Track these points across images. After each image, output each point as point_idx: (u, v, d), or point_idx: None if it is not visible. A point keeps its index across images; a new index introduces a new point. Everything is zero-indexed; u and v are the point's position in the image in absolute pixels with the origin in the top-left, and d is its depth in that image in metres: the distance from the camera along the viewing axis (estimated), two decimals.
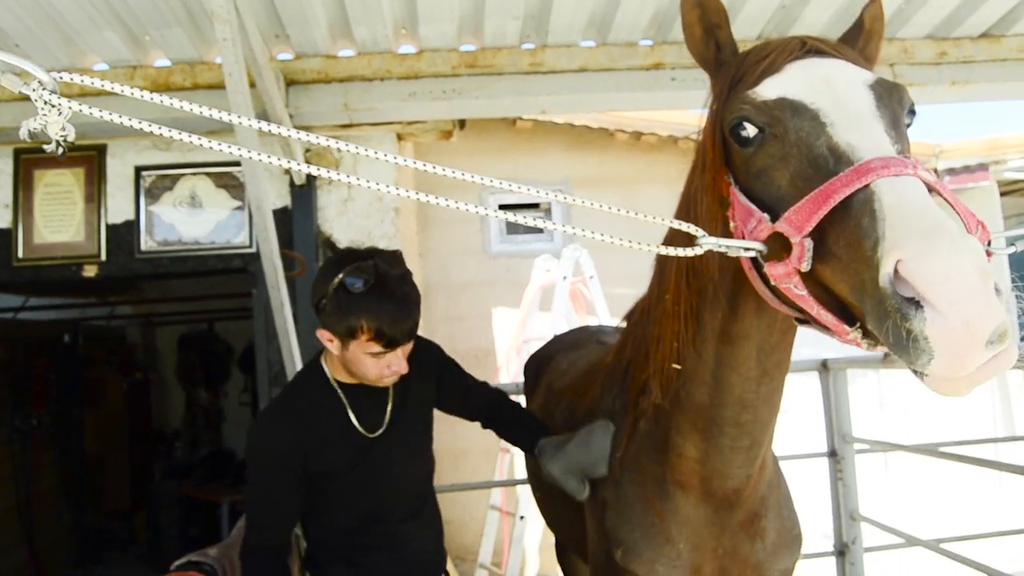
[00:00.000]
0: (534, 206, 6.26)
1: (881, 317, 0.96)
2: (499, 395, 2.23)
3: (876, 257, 0.96)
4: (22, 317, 6.11)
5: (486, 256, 6.14)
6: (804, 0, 3.41)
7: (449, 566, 2.27)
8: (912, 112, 1.22)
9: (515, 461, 4.82)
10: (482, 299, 6.04)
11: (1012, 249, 1.32)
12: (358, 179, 0.96)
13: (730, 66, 1.35)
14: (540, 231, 6.15)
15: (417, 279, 1.86)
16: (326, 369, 1.90)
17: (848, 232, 1.02)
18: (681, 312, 1.55)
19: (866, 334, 1.06)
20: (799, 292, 1.12)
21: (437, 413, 2.11)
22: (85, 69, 3.65)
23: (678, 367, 1.60)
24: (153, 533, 7.02)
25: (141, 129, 0.89)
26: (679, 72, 3.77)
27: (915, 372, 0.97)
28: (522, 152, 6.19)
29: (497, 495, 4.90)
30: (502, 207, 5.94)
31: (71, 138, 0.86)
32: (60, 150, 0.88)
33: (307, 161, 3.92)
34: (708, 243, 1.14)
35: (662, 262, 1.66)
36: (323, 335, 1.77)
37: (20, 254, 3.92)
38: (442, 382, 2.10)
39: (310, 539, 1.97)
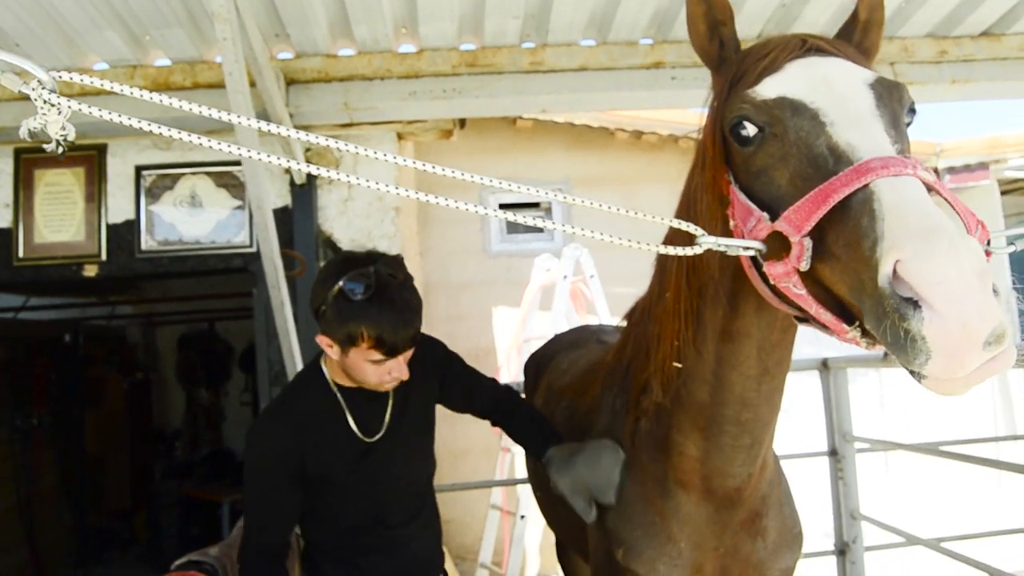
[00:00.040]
0: (534, 205, 6.26)
1: (879, 317, 0.96)
2: (508, 393, 2.18)
3: (875, 257, 0.96)
4: (22, 317, 6.11)
5: (486, 255, 6.13)
6: None
7: (449, 566, 2.26)
8: (912, 111, 1.22)
9: (515, 460, 4.82)
10: (482, 298, 6.03)
11: (1012, 248, 1.32)
12: (358, 179, 0.96)
13: (731, 64, 1.35)
14: (540, 230, 6.14)
15: (417, 278, 1.85)
16: (326, 372, 1.88)
17: (847, 232, 1.02)
18: (682, 311, 1.54)
19: (865, 333, 1.06)
20: (798, 291, 1.13)
21: (439, 413, 2.09)
22: (85, 69, 3.65)
23: (679, 366, 1.60)
24: (153, 533, 7.03)
25: (141, 129, 0.89)
26: (679, 71, 3.77)
27: (912, 373, 0.97)
28: (522, 151, 6.18)
29: (498, 494, 4.90)
30: (502, 206, 5.94)
31: (71, 137, 0.86)
32: (60, 149, 0.88)
33: (307, 160, 3.92)
34: (708, 242, 1.14)
35: (662, 261, 1.66)
36: (323, 341, 1.75)
37: (20, 254, 3.93)
38: (445, 380, 2.07)
39: (309, 540, 1.96)
